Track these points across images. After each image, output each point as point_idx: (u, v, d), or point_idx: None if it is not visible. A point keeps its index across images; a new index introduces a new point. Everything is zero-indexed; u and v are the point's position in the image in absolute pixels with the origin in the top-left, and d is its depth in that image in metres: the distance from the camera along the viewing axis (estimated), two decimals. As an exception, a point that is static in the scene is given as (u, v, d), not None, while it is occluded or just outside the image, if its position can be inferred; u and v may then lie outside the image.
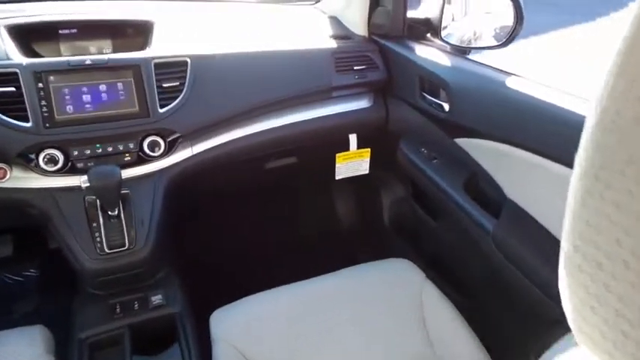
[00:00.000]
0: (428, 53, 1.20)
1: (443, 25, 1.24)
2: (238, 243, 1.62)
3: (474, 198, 1.05)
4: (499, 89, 0.97)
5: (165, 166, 1.07)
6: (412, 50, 1.24)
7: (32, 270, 1.56)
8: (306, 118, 1.24)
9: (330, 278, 1.07)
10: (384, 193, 1.59)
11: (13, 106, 0.93)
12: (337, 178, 1.37)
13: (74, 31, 1.08)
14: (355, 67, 1.27)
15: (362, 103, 1.33)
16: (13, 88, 0.92)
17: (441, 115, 1.12)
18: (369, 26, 1.37)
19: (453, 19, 1.35)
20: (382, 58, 1.31)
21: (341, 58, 1.26)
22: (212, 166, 1.16)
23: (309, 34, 1.32)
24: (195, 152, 1.11)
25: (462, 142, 1.09)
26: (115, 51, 1.11)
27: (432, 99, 1.16)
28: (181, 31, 1.14)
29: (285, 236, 1.71)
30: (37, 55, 1.03)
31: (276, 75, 1.18)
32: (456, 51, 1.23)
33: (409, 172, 1.26)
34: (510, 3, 1.13)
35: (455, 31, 1.34)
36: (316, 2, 1.58)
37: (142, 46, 1.09)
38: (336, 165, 1.35)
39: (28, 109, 0.93)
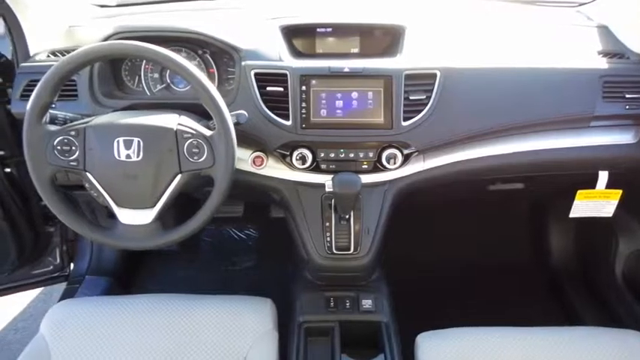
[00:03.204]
0: None
1: None
2: (441, 257, 1.58)
3: None
4: None
5: (397, 177, 1.08)
6: None
7: (253, 230, 1.82)
8: (552, 147, 1.10)
9: (549, 334, 0.96)
10: (624, 241, 1.35)
11: (279, 104, 1.03)
12: (571, 215, 1.21)
13: (329, 30, 1.15)
14: (627, 95, 1.07)
15: (624, 138, 1.12)
16: (281, 89, 1.03)
17: None
18: (654, 44, 1.13)
19: None
20: None
21: (610, 83, 1.07)
22: (438, 182, 1.13)
23: (572, 47, 1.16)
24: (426, 167, 1.09)
25: None
26: (362, 50, 1.15)
27: None
28: (432, 38, 1.11)
29: (490, 261, 1.61)
30: (295, 49, 1.12)
31: (528, 96, 1.07)
32: None
33: None
34: None
35: None
36: (579, 5, 1.37)
37: (389, 50, 1.09)
38: (575, 202, 1.19)
39: (290, 109, 1.02)
